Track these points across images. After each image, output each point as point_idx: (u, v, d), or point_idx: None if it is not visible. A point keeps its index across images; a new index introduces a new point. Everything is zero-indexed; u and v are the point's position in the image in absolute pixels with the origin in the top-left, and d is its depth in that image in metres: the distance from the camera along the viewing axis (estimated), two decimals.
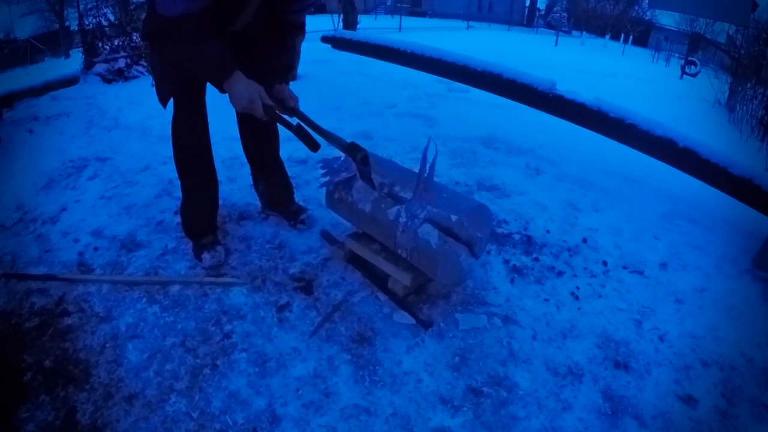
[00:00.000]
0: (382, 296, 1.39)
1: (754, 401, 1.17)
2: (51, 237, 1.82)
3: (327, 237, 1.60)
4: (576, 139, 2.65)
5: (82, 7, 4.78)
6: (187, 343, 1.23)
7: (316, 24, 5.29)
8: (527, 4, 25.10)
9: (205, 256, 1.49)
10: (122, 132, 3.01)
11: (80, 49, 4.97)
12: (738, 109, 4.17)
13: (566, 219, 1.97)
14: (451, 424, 1.08)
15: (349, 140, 1.33)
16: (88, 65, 4.69)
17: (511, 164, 2.46)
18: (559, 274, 1.59)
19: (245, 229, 1.70)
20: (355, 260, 1.49)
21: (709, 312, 1.54)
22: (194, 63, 1.21)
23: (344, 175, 1.34)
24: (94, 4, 4.88)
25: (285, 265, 1.51)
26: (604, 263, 1.68)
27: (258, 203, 1.83)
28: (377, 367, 1.18)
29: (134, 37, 4.97)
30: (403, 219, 1.22)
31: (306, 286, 1.43)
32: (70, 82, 4.69)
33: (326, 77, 3.83)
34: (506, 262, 1.62)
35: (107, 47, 4.83)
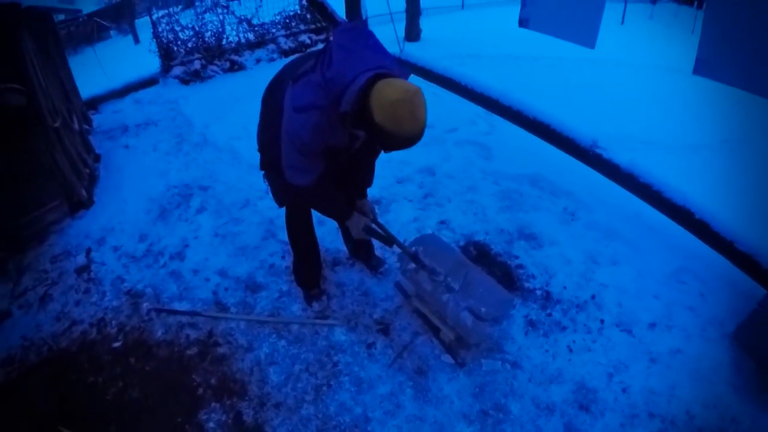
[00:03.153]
0: (435, 341, 2.28)
1: None
2: (184, 274, 2.75)
3: (400, 289, 2.49)
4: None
5: (154, 16, 5.55)
6: (310, 369, 2.18)
7: (380, 32, 5.71)
8: None
9: (315, 304, 2.43)
10: (213, 153, 3.87)
11: (145, 16, 5.81)
12: None
13: (584, 274, 2.67)
14: (467, 431, 1.99)
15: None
16: (166, 68, 5.54)
17: (551, 209, 3.15)
18: (563, 329, 2.38)
19: (338, 276, 2.62)
20: (418, 311, 2.37)
21: (676, 372, 2.14)
22: (321, 209, 2.03)
23: (413, 266, 2.19)
24: (166, 11, 5.62)
25: (370, 310, 2.43)
26: (602, 321, 2.41)
27: (345, 248, 2.73)
28: (428, 392, 2.09)
29: (206, 38, 5.75)
30: (451, 304, 2.07)
31: (385, 328, 2.34)
32: (150, 83, 5.56)
33: None
34: (525, 316, 2.43)
35: (182, 50, 5.63)
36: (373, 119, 1.48)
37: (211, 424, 2.01)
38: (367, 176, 2.26)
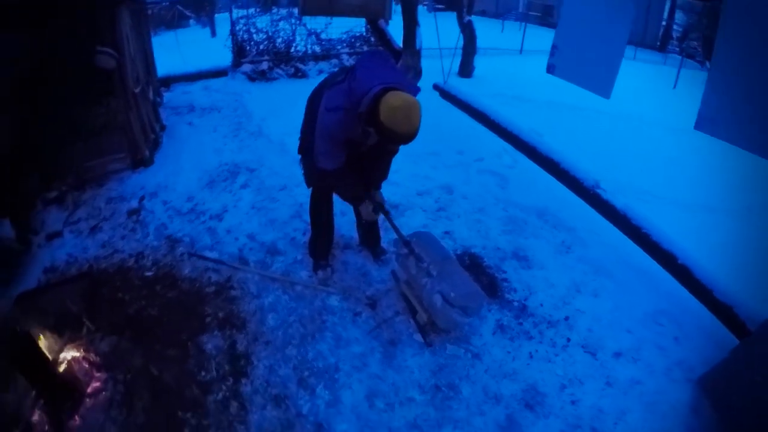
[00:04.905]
0: (412, 321, 2.68)
1: None
2: (218, 232, 3.33)
3: (394, 276, 2.92)
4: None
5: (234, 15, 6.34)
6: (302, 321, 2.64)
7: (431, 65, 6.17)
8: (663, 23, 22.12)
9: (320, 272, 2.90)
10: (265, 143, 4.48)
11: (224, 12, 6.61)
12: None
13: (564, 298, 2.99)
14: (418, 398, 2.31)
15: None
16: (236, 64, 6.28)
17: (550, 239, 3.49)
18: (530, 338, 2.69)
19: (346, 256, 3.08)
20: (404, 295, 2.78)
21: (630, 400, 2.33)
22: (339, 191, 2.54)
23: (405, 251, 2.63)
24: (245, 12, 6.42)
25: (364, 287, 2.87)
26: (568, 339, 2.71)
27: (357, 237, 3.19)
28: (393, 359, 2.47)
29: (277, 44, 6.49)
30: (428, 287, 2.48)
31: (373, 303, 2.77)
32: (220, 74, 6.30)
33: (434, 114, 4.96)
34: (498, 320, 2.78)
35: (254, 50, 6.38)
36: (379, 119, 2.01)
37: (209, 346, 2.49)
38: (382, 171, 2.74)
